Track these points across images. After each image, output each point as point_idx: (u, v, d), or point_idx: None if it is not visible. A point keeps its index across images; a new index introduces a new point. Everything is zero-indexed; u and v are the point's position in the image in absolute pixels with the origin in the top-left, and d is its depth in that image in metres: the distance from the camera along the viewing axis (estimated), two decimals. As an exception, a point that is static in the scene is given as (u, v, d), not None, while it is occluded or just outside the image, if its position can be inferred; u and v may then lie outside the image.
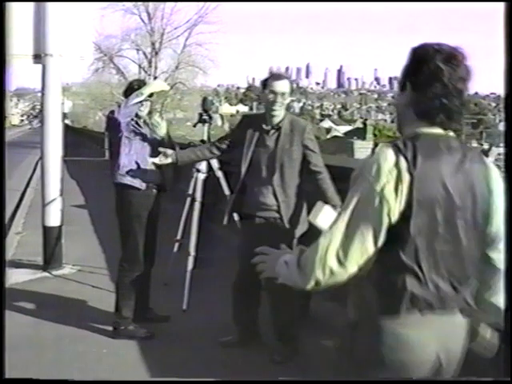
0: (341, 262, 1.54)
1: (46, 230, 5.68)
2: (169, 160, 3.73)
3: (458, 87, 1.58)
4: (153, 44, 29.67)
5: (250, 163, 3.54)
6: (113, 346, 3.76)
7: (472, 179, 1.60)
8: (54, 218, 5.65)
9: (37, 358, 3.54)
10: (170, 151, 3.75)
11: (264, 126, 3.56)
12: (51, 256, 5.63)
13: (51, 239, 5.64)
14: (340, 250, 1.53)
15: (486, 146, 30.69)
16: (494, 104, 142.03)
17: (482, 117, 74.59)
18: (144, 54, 30.01)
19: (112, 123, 3.95)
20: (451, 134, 1.62)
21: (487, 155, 22.36)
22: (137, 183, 3.88)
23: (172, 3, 29.20)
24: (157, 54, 29.85)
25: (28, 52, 5.54)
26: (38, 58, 5.54)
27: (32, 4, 5.49)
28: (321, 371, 3.50)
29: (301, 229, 3.51)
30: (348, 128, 58.65)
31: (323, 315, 4.32)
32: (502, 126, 48.79)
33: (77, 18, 5.64)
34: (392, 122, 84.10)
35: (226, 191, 4.92)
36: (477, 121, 69.35)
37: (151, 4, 29.32)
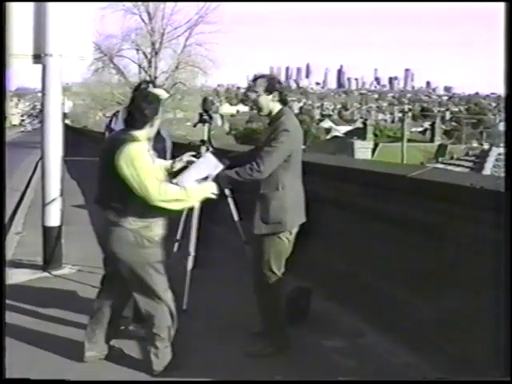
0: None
1: (46, 230, 5.68)
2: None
3: (142, 106, 3.27)
4: (153, 44, 29.64)
5: None
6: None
7: (110, 154, 3.19)
8: (53, 218, 5.65)
9: (37, 358, 3.54)
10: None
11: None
12: (51, 256, 5.63)
13: (51, 239, 5.64)
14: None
15: (486, 146, 30.62)
16: (494, 104, 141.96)
17: (481, 117, 74.46)
18: (144, 54, 29.98)
19: (112, 127, 3.98)
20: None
21: (487, 155, 22.27)
22: None
23: (172, 3, 29.21)
24: (157, 54, 29.82)
25: (28, 52, 5.53)
26: (38, 58, 5.54)
27: (32, 4, 5.49)
28: (321, 371, 3.50)
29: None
30: (348, 128, 58.62)
31: (323, 315, 4.32)
32: (502, 126, 48.69)
33: (77, 18, 5.64)
34: (392, 122, 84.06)
35: (226, 191, 4.91)
36: (477, 121, 69.16)
37: (151, 4, 29.30)
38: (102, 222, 3.32)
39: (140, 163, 3.16)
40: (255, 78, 3.69)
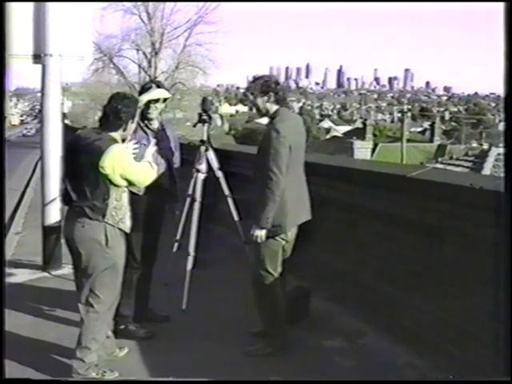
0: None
1: (46, 230, 5.68)
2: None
3: (117, 109, 3.25)
4: (153, 44, 29.66)
5: None
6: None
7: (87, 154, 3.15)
8: (53, 218, 5.65)
9: (37, 358, 3.53)
10: None
11: None
12: (51, 256, 5.62)
13: (51, 239, 5.64)
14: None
15: (485, 146, 30.63)
16: (493, 104, 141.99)
17: (481, 117, 74.47)
18: (144, 54, 30.01)
19: None
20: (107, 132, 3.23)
21: (487, 155, 22.29)
22: (134, 189, 3.85)
23: (172, 3, 29.23)
24: (157, 54, 29.84)
25: (28, 52, 5.53)
26: (38, 58, 5.54)
27: (32, 4, 5.49)
28: (321, 371, 3.50)
29: None
30: (347, 128, 58.58)
31: (323, 315, 4.33)
32: (501, 126, 48.71)
33: (77, 18, 5.64)
34: (392, 122, 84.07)
35: (226, 191, 4.92)
36: (476, 121, 69.19)
37: (151, 4, 29.33)
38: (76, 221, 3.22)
39: (125, 162, 3.16)
40: (253, 80, 3.73)
